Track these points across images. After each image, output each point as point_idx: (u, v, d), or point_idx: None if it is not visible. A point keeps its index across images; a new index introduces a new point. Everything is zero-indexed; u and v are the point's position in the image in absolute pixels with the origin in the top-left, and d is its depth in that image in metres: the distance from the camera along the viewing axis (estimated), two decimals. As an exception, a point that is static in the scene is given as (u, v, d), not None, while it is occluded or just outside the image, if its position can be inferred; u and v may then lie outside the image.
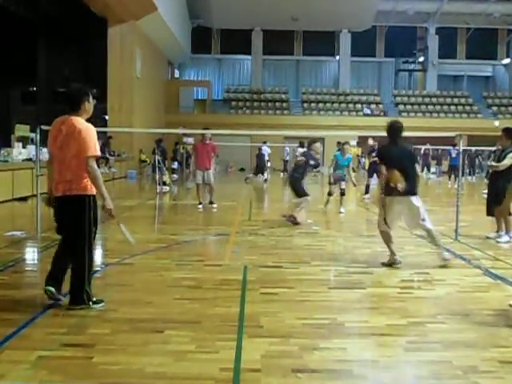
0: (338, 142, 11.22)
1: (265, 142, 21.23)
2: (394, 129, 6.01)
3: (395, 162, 5.68)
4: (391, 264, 5.82)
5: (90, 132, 3.91)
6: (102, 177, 4.00)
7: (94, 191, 4.01)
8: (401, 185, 5.54)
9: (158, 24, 23.27)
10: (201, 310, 4.12)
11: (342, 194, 10.89)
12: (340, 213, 10.58)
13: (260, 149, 20.40)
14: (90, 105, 4.03)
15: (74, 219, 4.00)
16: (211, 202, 11.00)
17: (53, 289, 4.09)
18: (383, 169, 5.79)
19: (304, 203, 8.88)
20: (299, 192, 8.93)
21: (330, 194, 11.00)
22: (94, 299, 4.07)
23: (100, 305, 4.09)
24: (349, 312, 4.17)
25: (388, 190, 5.71)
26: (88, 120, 4.10)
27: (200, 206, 10.78)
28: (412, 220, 5.93)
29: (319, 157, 10.08)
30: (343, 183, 11.00)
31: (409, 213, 5.86)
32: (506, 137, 7.49)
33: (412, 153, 6.25)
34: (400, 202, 5.74)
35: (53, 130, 4.02)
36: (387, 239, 5.94)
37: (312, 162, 9.09)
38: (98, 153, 3.96)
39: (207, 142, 10.80)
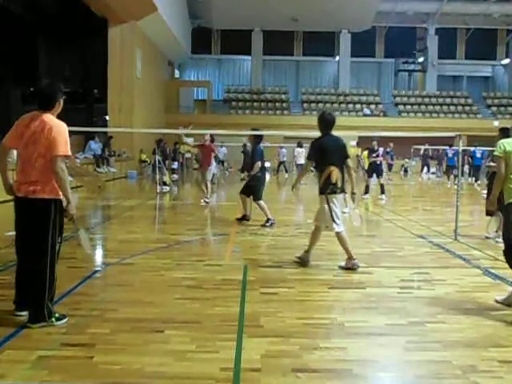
0: None
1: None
2: (327, 120, 5.64)
3: (331, 156, 5.39)
4: (349, 268, 5.54)
5: (61, 129, 3.65)
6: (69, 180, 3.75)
7: (60, 195, 3.69)
8: (339, 181, 5.33)
9: (158, 24, 23.27)
10: (201, 310, 4.13)
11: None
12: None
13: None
14: (61, 103, 3.81)
15: (37, 226, 3.66)
16: (206, 199, 11.79)
17: (24, 313, 3.76)
18: (308, 164, 5.56)
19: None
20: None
21: None
22: (57, 315, 3.75)
23: (63, 321, 3.75)
24: (349, 312, 4.17)
25: (327, 188, 5.41)
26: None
27: (206, 200, 11.59)
28: (325, 218, 5.61)
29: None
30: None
31: (323, 211, 5.59)
32: (502, 137, 7.49)
33: (346, 147, 5.72)
34: (339, 200, 5.54)
35: (19, 126, 3.73)
36: (344, 241, 5.60)
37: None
38: (69, 152, 3.67)
39: (206, 143, 11.67)
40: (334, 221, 5.51)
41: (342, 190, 5.56)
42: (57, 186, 3.67)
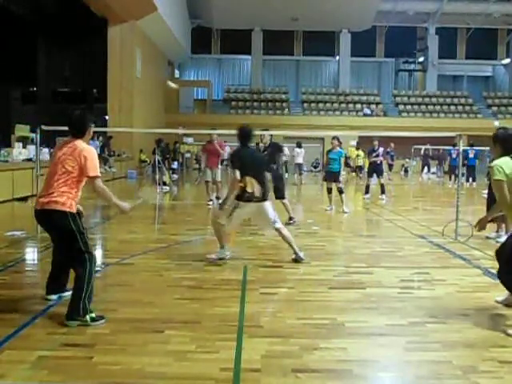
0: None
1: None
2: (244, 133, 5.96)
3: (248, 167, 5.71)
4: (221, 258, 5.87)
5: (92, 153, 3.97)
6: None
7: (74, 209, 3.93)
8: (257, 190, 5.66)
9: (158, 24, 23.27)
10: (201, 310, 4.12)
11: (340, 191, 10.83)
12: (344, 212, 10.51)
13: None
14: (91, 129, 4.14)
15: (62, 230, 3.91)
16: (217, 198, 11.38)
17: (54, 296, 4.22)
18: (237, 173, 5.72)
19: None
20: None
21: (328, 191, 11.03)
22: (94, 315, 3.79)
23: (99, 322, 3.78)
24: (349, 312, 4.17)
25: (243, 196, 5.68)
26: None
27: (210, 203, 11.21)
28: (263, 223, 6.24)
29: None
30: (340, 183, 11.00)
31: (260, 217, 6.09)
32: (502, 151, 7.45)
33: (264, 158, 6.32)
34: (252, 207, 5.82)
35: (56, 150, 4.13)
36: (220, 232, 5.93)
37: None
38: (99, 173, 3.99)
39: (215, 142, 11.35)
40: (274, 221, 5.91)
41: (262, 199, 5.79)
42: (70, 202, 3.90)
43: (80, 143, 3.99)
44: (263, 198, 5.80)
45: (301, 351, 3.34)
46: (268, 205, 5.91)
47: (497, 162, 4.06)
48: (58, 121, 6.63)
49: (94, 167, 3.93)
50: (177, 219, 10.09)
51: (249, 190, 5.65)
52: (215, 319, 3.91)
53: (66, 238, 3.91)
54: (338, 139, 10.98)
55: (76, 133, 4.04)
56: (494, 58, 37.55)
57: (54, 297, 4.26)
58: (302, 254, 5.91)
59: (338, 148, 11.03)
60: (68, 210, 3.88)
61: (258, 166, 5.95)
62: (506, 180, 3.96)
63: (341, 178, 11.30)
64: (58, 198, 3.86)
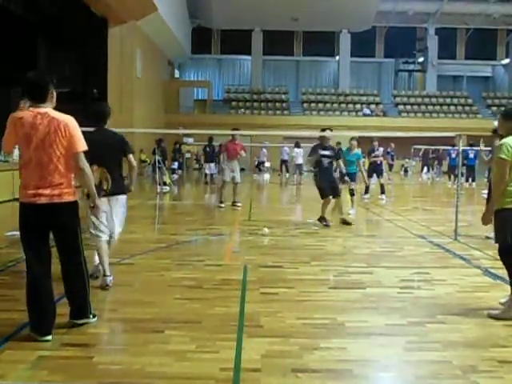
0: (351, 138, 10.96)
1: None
2: (96, 112, 4.87)
3: (97, 154, 4.43)
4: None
5: (75, 124, 3.49)
6: None
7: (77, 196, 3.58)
8: (106, 182, 4.67)
9: (158, 24, 23.27)
10: (201, 310, 4.12)
11: (352, 194, 10.55)
12: (348, 214, 10.38)
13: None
14: (54, 94, 3.53)
15: (70, 228, 3.57)
16: (235, 202, 11.06)
17: (50, 337, 3.43)
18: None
19: None
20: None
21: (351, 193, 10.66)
22: (94, 312, 3.78)
23: (96, 319, 3.77)
24: (349, 312, 4.17)
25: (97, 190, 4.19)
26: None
27: (223, 205, 10.90)
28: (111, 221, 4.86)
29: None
30: (353, 183, 10.68)
31: (110, 215, 4.83)
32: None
33: (118, 142, 4.86)
34: (106, 203, 4.71)
35: (18, 126, 3.39)
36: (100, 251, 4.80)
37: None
38: (86, 147, 3.54)
39: (236, 141, 11.08)
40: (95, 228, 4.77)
41: (113, 193, 4.77)
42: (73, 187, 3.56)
43: (52, 111, 3.44)
44: (117, 191, 4.79)
45: (301, 351, 3.34)
46: (122, 200, 4.92)
47: (507, 140, 3.99)
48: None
49: (80, 139, 3.48)
50: (177, 219, 10.09)
51: (96, 182, 4.31)
52: (215, 319, 3.91)
53: (72, 229, 3.56)
54: (358, 140, 10.74)
55: (35, 97, 3.42)
56: (493, 58, 37.57)
57: (50, 337, 3.45)
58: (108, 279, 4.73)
59: (357, 150, 10.75)
60: (76, 198, 3.55)
61: (112, 151, 4.75)
62: (510, 160, 3.91)
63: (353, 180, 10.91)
64: (68, 188, 3.47)
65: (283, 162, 23.69)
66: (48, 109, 3.45)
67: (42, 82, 3.46)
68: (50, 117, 3.40)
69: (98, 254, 4.81)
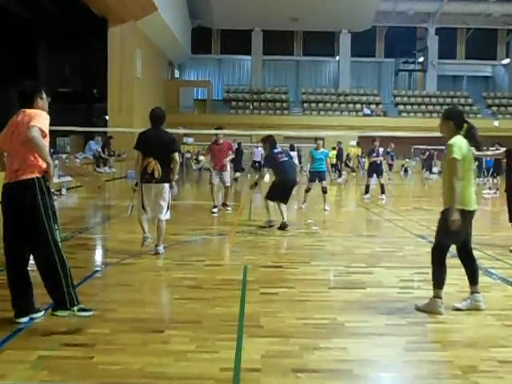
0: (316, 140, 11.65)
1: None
2: (153, 115, 6.17)
3: (152, 149, 5.83)
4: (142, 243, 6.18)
5: (40, 113, 3.68)
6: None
7: (41, 174, 3.66)
8: (157, 172, 5.79)
9: (158, 24, 23.28)
10: (201, 310, 4.12)
11: (324, 191, 10.92)
12: (324, 210, 10.58)
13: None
14: (43, 101, 3.83)
15: (27, 206, 3.59)
16: (225, 204, 10.48)
17: (25, 319, 3.71)
18: (139, 155, 5.94)
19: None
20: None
21: (307, 190, 11.15)
22: (82, 306, 3.70)
23: (86, 313, 3.70)
24: (349, 312, 4.17)
25: (144, 177, 5.92)
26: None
27: (215, 210, 10.06)
28: (155, 207, 6.09)
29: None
30: (324, 182, 11.12)
31: (156, 199, 6.04)
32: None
33: (169, 141, 6.13)
34: (154, 189, 5.98)
35: (8, 126, 3.80)
36: (142, 224, 6.21)
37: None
38: (47, 130, 3.62)
39: (220, 141, 10.36)
40: (143, 207, 6.11)
41: (161, 181, 5.91)
42: (38, 169, 3.62)
43: (31, 110, 3.71)
44: (163, 180, 5.91)
45: (301, 351, 3.34)
46: (167, 188, 6.00)
47: (456, 140, 4.12)
48: (58, 121, 6.64)
49: (37, 119, 3.58)
50: (177, 219, 10.07)
51: (149, 171, 5.82)
52: (215, 319, 3.90)
53: (31, 210, 3.59)
54: (323, 139, 11.51)
55: (23, 103, 3.79)
56: (493, 58, 37.57)
57: (24, 319, 3.72)
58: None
59: (323, 149, 11.39)
60: (38, 175, 3.64)
61: (163, 149, 5.96)
62: (461, 159, 4.01)
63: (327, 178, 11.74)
64: (22, 171, 3.62)
65: (255, 162, 23.07)
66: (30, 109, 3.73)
67: (27, 90, 3.86)
68: (24, 112, 3.72)
69: (142, 228, 6.17)
